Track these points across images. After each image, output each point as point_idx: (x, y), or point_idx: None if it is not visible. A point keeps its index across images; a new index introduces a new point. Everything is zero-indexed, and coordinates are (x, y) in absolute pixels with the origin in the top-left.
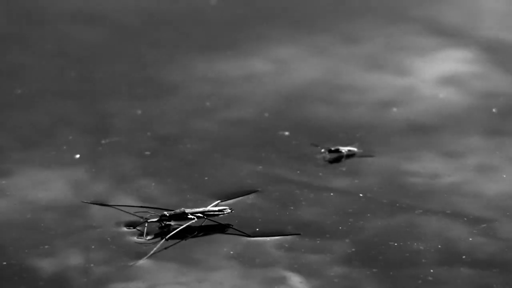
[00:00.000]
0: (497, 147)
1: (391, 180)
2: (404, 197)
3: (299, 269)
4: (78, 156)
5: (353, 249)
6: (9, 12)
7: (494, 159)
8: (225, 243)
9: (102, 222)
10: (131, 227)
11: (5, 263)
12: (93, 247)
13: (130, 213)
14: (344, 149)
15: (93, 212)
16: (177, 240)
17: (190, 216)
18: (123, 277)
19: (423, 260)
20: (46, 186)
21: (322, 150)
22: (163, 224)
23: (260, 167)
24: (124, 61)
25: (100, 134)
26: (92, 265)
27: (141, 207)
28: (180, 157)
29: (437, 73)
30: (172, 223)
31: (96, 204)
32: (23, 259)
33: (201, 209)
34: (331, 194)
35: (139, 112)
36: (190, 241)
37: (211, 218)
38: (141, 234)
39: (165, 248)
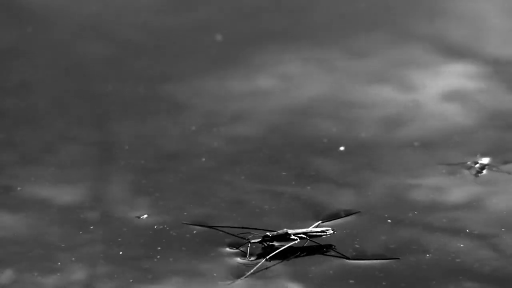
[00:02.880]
0: (502, 163)
1: (395, 195)
2: (407, 213)
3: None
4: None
5: (356, 264)
6: (14, 27)
7: (498, 176)
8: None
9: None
10: (234, 248)
11: (10, 277)
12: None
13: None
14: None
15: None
16: (279, 261)
17: (292, 237)
18: None
19: (428, 276)
20: (50, 202)
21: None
22: (265, 245)
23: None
24: (130, 77)
25: (105, 151)
26: (96, 280)
27: (243, 227)
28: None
29: (442, 89)
30: (275, 243)
31: (196, 225)
32: (28, 274)
33: (303, 230)
34: (335, 208)
35: (145, 128)
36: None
37: (313, 240)
38: (244, 255)
39: (266, 268)
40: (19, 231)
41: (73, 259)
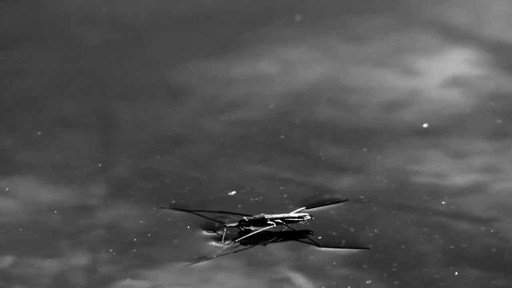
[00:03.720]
0: (503, 149)
1: (397, 181)
2: (410, 198)
3: (301, 269)
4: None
5: (358, 251)
6: (15, 12)
7: (500, 160)
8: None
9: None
10: (211, 231)
11: (10, 262)
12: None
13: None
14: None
15: (98, 214)
16: (250, 246)
17: (269, 222)
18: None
19: (429, 260)
20: (51, 187)
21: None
22: (242, 229)
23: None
24: (132, 62)
25: (105, 135)
26: (97, 265)
27: (221, 212)
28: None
29: (444, 75)
30: (251, 228)
31: (175, 209)
32: (28, 258)
33: (280, 215)
34: (338, 194)
35: (146, 113)
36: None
37: (291, 225)
38: (219, 239)
39: (235, 252)
40: (19, 216)
41: (74, 244)
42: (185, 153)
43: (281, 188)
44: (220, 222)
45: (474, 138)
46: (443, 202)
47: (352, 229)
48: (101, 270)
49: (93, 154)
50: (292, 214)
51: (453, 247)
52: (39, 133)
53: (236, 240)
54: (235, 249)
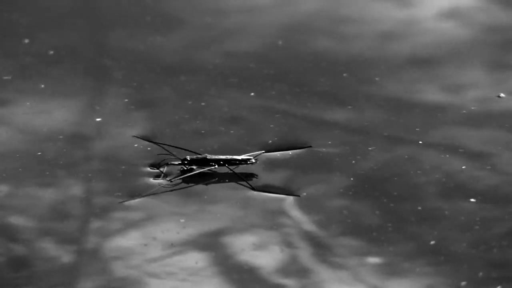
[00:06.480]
0: (499, 80)
1: (392, 113)
2: (405, 130)
3: (299, 202)
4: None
5: (354, 182)
6: None
7: (495, 92)
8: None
9: (108, 154)
10: (155, 168)
11: (7, 192)
12: (93, 178)
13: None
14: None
15: (94, 145)
16: (193, 184)
17: (211, 163)
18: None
19: (424, 193)
20: (46, 116)
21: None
22: (185, 168)
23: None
24: None
25: (100, 66)
26: (92, 195)
27: (184, 149)
28: (182, 88)
29: (439, 6)
30: (194, 167)
31: (144, 140)
32: (24, 188)
33: (223, 157)
34: (334, 126)
35: (140, 43)
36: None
37: (231, 167)
38: (158, 175)
39: (171, 191)
40: (15, 146)
41: (70, 174)
42: (178, 83)
43: (275, 120)
44: (163, 159)
45: (470, 69)
46: (438, 134)
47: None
48: (96, 200)
49: (86, 84)
50: (236, 156)
51: (447, 179)
52: (34, 61)
53: (171, 179)
54: (175, 187)
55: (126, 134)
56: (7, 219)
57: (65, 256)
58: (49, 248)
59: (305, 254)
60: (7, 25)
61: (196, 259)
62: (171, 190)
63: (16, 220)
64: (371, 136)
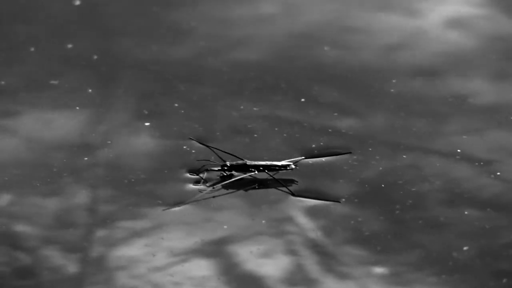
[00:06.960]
0: (503, 90)
1: (398, 121)
2: (410, 138)
3: (306, 210)
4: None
5: (358, 189)
6: None
7: (500, 101)
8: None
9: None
10: (194, 174)
11: (12, 200)
12: (99, 185)
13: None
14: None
15: (99, 153)
16: (233, 190)
17: (251, 169)
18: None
19: (430, 201)
20: (53, 125)
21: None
22: (224, 174)
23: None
24: (134, 2)
25: (107, 75)
26: (98, 203)
27: (232, 155)
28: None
29: (445, 16)
30: (234, 173)
31: (199, 143)
32: (29, 197)
33: (263, 163)
34: (340, 134)
35: (147, 53)
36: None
37: (272, 174)
38: (198, 181)
39: (213, 197)
40: (20, 155)
41: (75, 182)
42: (187, 92)
43: (282, 129)
44: (203, 165)
45: (475, 79)
46: (442, 142)
47: (328, 181)
48: (101, 208)
49: (93, 93)
50: (276, 162)
51: (451, 187)
52: (41, 72)
53: (218, 185)
54: (216, 194)
55: (134, 142)
56: (13, 228)
57: (70, 265)
58: (54, 256)
59: (310, 263)
60: (13, 34)
61: (202, 268)
62: (213, 197)
63: (22, 228)
64: (376, 144)
